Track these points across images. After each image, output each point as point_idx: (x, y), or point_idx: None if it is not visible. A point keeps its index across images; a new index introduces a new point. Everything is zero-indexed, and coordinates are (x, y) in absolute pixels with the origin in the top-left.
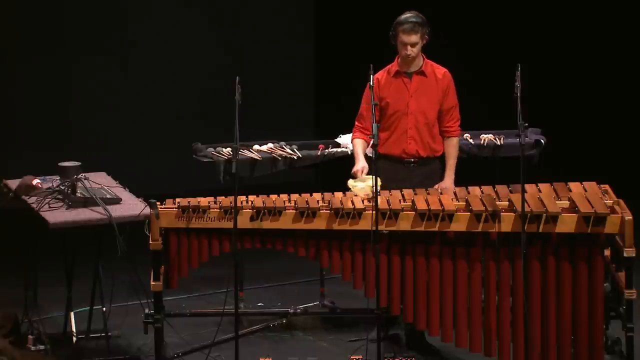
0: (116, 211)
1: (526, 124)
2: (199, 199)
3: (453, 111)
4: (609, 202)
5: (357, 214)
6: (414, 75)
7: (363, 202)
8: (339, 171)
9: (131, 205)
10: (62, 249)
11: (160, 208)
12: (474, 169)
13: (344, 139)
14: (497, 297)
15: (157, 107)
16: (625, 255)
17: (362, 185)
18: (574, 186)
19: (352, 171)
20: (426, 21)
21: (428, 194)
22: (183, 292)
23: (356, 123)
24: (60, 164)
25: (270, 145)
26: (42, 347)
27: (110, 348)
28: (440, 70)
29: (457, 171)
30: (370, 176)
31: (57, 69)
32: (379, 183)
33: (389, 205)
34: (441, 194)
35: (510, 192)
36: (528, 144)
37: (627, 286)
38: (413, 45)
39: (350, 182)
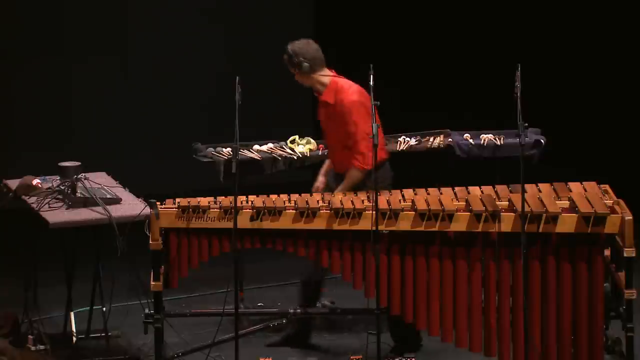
0: (116, 211)
1: (526, 124)
2: (199, 199)
3: (349, 140)
4: (609, 202)
5: (357, 214)
6: (320, 101)
7: (363, 202)
8: None
9: (131, 205)
10: (62, 249)
11: (160, 208)
12: (474, 169)
13: None
14: (497, 297)
15: (157, 107)
16: (625, 255)
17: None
18: (574, 186)
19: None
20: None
21: (428, 194)
22: (183, 292)
23: None
24: (60, 164)
25: (270, 145)
26: (42, 347)
27: (110, 348)
28: (341, 97)
29: (458, 171)
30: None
31: (57, 69)
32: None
33: (389, 205)
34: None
35: (510, 192)
36: (528, 144)
37: (627, 286)
38: (295, 76)
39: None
